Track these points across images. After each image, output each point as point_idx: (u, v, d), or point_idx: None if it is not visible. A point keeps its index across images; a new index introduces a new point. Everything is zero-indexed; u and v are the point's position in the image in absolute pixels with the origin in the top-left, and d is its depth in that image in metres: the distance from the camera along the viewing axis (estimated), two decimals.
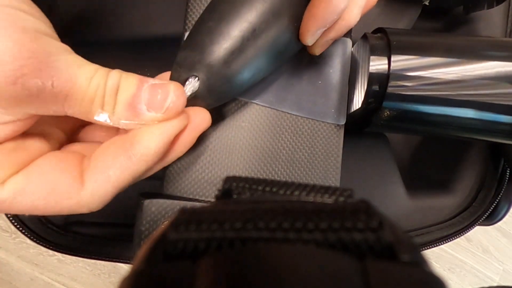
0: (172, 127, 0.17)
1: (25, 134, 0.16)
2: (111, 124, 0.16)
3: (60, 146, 0.19)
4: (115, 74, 0.16)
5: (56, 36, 0.15)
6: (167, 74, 0.19)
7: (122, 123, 0.16)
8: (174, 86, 0.17)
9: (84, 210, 0.16)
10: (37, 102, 0.14)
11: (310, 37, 0.19)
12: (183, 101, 0.17)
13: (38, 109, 0.15)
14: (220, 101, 0.21)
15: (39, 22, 0.14)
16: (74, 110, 0.16)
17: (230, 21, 0.18)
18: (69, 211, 0.16)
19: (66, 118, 0.18)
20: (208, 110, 0.20)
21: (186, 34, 0.22)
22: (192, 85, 0.18)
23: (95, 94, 0.15)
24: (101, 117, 0.16)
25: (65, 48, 0.15)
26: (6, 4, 0.13)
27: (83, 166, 0.16)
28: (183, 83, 0.18)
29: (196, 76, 0.18)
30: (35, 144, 0.16)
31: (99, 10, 0.26)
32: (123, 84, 0.16)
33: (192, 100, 0.19)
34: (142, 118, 0.16)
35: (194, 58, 0.18)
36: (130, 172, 0.16)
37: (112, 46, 0.27)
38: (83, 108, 0.16)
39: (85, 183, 0.16)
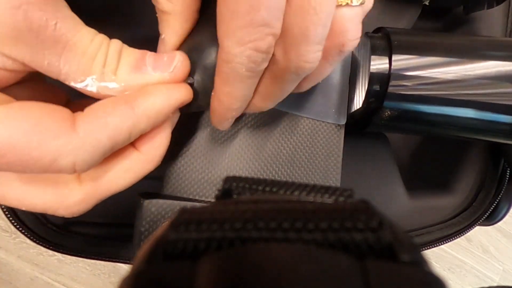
0: (179, 92, 0.17)
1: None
2: (97, 90, 0.15)
3: None
4: (117, 41, 0.16)
5: None
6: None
7: (113, 88, 0.15)
8: (178, 51, 0.17)
9: (71, 158, 0.14)
10: (35, 42, 0.13)
11: (223, 126, 0.19)
12: (188, 65, 0.17)
13: (33, 54, 0.13)
14: None
15: None
16: (70, 68, 0.14)
17: None
18: (52, 158, 0.13)
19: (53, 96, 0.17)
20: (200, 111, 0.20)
21: None
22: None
23: (97, 52, 0.15)
24: (88, 82, 0.15)
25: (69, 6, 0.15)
26: None
27: (74, 114, 0.14)
28: None
29: (191, 78, 0.18)
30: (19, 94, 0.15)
31: (100, 10, 0.26)
32: (126, 50, 0.16)
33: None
34: (147, 78, 0.16)
35: (191, 59, 0.18)
36: (130, 125, 0.15)
37: None
38: (82, 66, 0.15)
39: (77, 125, 0.14)
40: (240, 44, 0.14)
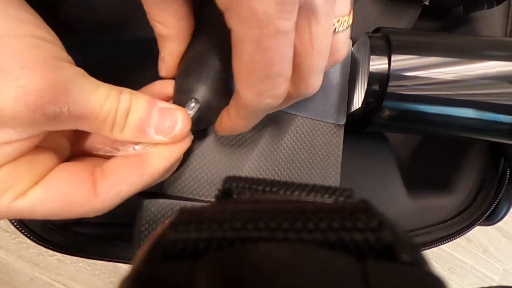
0: (179, 149, 0.19)
1: (38, 147, 0.17)
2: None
3: (68, 153, 0.20)
4: (127, 96, 0.17)
5: (70, 58, 0.16)
6: (151, 85, 0.21)
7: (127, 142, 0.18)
8: (182, 113, 0.18)
9: (92, 214, 0.18)
10: (53, 123, 0.15)
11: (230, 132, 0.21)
12: (189, 128, 0.19)
13: (52, 127, 0.16)
14: None
15: (57, 49, 0.15)
16: (84, 127, 0.17)
17: (217, 42, 0.19)
18: (78, 216, 0.17)
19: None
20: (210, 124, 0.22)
21: None
22: (194, 107, 0.19)
23: (107, 116, 0.17)
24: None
25: (80, 72, 0.16)
26: (28, 34, 0.14)
27: (95, 177, 0.18)
28: (184, 106, 0.19)
29: (195, 99, 0.19)
30: (48, 156, 0.17)
31: (100, 11, 0.26)
32: (134, 105, 0.17)
33: (196, 120, 0.20)
34: (149, 139, 0.18)
35: (190, 83, 0.19)
36: (138, 188, 0.18)
37: (113, 47, 0.27)
38: (94, 127, 0.17)
39: (98, 194, 0.17)
40: (259, 95, 0.16)
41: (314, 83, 0.18)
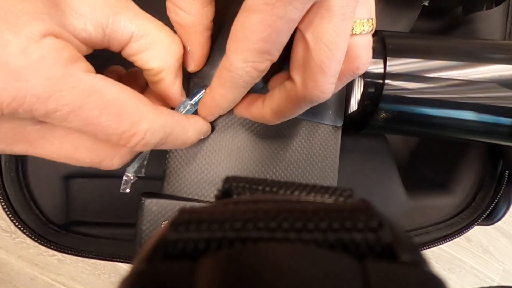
0: (208, 128, 0.22)
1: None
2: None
3: None
4: None
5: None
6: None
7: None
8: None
9: (147, 124, 0.17)
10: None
11: (207, 119, 0.22)
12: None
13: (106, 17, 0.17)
14: None
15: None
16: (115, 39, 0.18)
17: None
18: (138, 119, 0.17)
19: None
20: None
21: None
22: (202, 92, 0.21)
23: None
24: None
25: None
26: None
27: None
28: (195, 90, 0.22)
29: (206, 86, 0.21)
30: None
31: None
32: None
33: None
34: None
35: (206, 71, 0.22)
36: (185, 125, 0.19)
37: None
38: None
39: (156, 105, 0.18)
40: (244, 62, 0.17)
41: (324, 83, 0.17)
